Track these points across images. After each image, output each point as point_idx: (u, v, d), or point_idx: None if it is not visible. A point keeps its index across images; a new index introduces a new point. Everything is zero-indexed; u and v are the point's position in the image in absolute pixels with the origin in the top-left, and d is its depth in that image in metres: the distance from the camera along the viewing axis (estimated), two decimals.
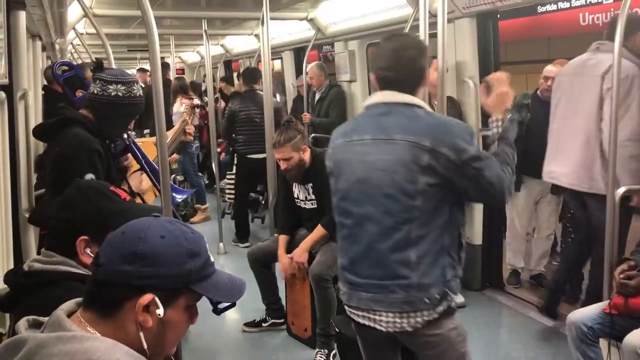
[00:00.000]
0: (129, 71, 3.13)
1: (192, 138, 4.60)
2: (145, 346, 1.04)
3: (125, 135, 2.60)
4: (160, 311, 1.03)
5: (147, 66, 9.46)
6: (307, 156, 3.47)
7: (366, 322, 1.98)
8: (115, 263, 1.02)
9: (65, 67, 3.21)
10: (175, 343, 1.12)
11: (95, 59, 2.67)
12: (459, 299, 3.93)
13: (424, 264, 1.89)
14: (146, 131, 6.88)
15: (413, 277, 1.88)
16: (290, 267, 3.49)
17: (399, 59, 1.95)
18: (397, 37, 2.05)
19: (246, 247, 5.42)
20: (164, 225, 1.08)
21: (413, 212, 1.87)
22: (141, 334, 1.03)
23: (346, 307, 2.07)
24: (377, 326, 1.95)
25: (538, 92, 4.06)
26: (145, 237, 1.04)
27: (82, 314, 1.05)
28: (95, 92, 2.34)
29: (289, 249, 3.60)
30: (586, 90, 3.21)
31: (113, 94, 2.31)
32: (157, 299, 1.03)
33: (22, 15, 2.71)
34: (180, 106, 6.66)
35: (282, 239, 3.65)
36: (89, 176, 2.14)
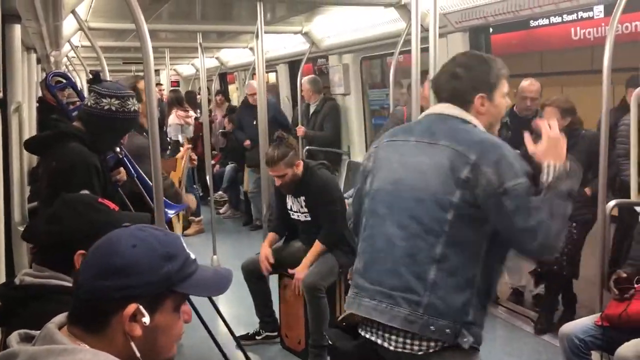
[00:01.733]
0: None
1: (195, 163, 4.72)
2: (138, 355, 1.04)
3: (117, 149, 2.58)
4: (146, 319, 1.03)
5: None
6: (300, 170, 3.48)
7: (372, 338, 1.80)
8: (92, 280, 1.02)
9: (60, 79, 3.21)
10: (173, 345, 1.11)
11: (91, 71, 2.67)
12: None
13: (442, 288, 1.70)
14: None
15: (424, 296, 1.70)
16: (268, 265, 3.55)
17: (455, 75, 1.89)
18: (462, 54, 2.02)
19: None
20: (134, 233, 1.07)
21: (442, 225, 1.72)
22: (132, 343, 1.03)
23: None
24: (385, 344, 1.77)
25: (515, 109, 3.96)
26: (118, 250, 1.03)
27: (70, 330, 1.05)
28: (89, 104, 2.33)
29: (281, 260, 3.60)
30: None
31: (106, 107, 2.29)
32: (141, 307, 1.03)
33: (17, 29, 2.72)
34: (175, 118, 6.68)
35: (271, 235, 3.71)
36: (85, 192, 2.13)
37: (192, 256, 1.12)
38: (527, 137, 1.85)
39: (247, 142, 6.47)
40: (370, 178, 1.93)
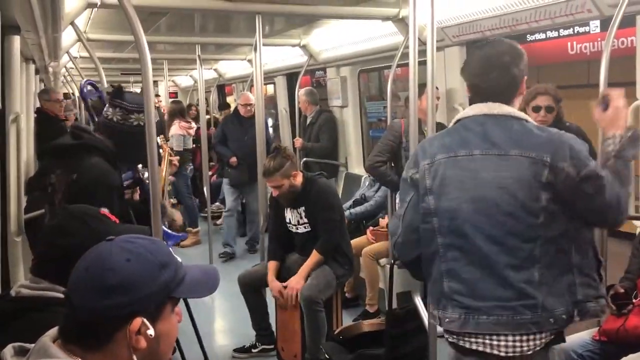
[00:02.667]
0: None
1: (177, 165, 4.62)
2: None
3: (140, 166, 2.53)
4: (151, 331, 1.02)
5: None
6: (298, 181, 3.48)
7: (480, 348, 1.83)
8: (91, 302, 1.00)
9: (91, 88, 3.17)
10: (171, 349, 1.12)
11: (112, 85, 2.61)
12: None
13: (547, 283, 1.79)
14: None
15: (539, 297, 1.78)
16: (284, 293, 3.45)
17: (491, 66, 1.86)
18: (490, 44, 1.95)
19: None
20: (123, 247, 1.06)
21: (537, 231, 1.78)
22: (134, 356, 1.03)
23: (449, 335, 1.91)
24: (495, 351, 1.81)
25: None
26: (112, 267, 1.01)
27: (65, 347, 1.03)
28: (115, 119, 2.27)
29: (280, 274, 3.59)
30: None
31: (135, 123, 2.25)
32: (145, 321, 1.02)
33: (17, 40, 2.73)
34: (178, 129, 6.68)
35: (272, 265, 3.63)
36: (104, 211, 2.09)
37: (179, 259, 1.13)
38: (595, 105, 1.94)
39: (234, 160, 5.87)
40: (433, 197, 1.90)
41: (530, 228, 1.78)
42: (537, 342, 1.79)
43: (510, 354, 1.79)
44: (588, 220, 1.84)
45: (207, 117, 7.93)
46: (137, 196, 2.63)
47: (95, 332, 1.01)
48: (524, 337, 1.79)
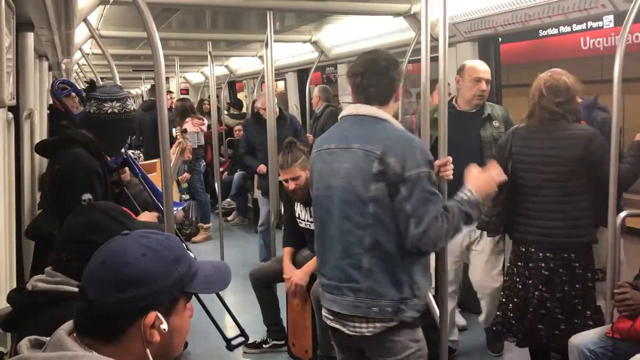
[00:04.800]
0: (133, 91, 3.21)
1: (190, 156, 4.64)
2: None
3: (122, 150, 2.65)
4: (164, 326, 1.04)
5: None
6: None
7: (334, 325, 2.11)
8: (107, 295, 1.01)
9: (65, 85, 3.28)
10: (182, 343, 1.13)
11: (86, 81, 2.76)
12: (461, 321, 3.92)
13: (376, 273, 1.96)
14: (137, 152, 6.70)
15: (362, 283, 1.98)
16: (287, 287, 3.47)
17: (371, 67, 2.07)
18: (372, 51, 2.20)
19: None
20: (138, 242, 1.07)
21: (366, 219, 1.96)
22: (147, 350, 1.04)
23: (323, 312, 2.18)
24: (346, 330, 2.06)
25: (455, 102, 3.42)
26: (128, 261, 1.02)
27: (80, 339, 1.04)
28: (92, 111, 2.40)
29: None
30: None
31: (109, 111, 2.38)
32: (159, 314, 1.04)
33: (30, 37, 2.76)
34: (192, 126, 6.69)
35: (287, 250, 3.63)
36: (86, 196, 2.19)
37: (192, 254, 1.14)
38: (472, 167, 2.19)
39: (262, 168, 5.03)
40: (311, 188, 2.21)
41: (361, 216, 1.97)
42: (371, 327, 1.99)
43: (351, 333, 2.04)
44: (400, 227, 1.94)
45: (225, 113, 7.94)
46: (127, 176, 2.70)
47: (110, 325, 1.02)
48: (360, 319, 2.01)
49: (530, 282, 2.86)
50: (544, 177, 2.84)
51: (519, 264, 2.91)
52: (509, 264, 3.02)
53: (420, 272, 2.04)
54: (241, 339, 1.95)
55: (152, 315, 1.03)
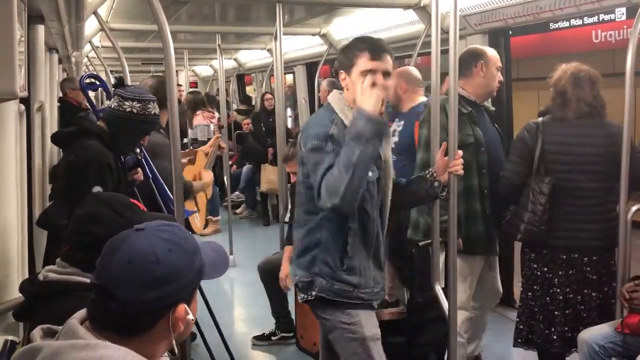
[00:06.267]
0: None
1: (225, 151, 4.75)
2: (176, 349, 1.09)
3: (137, 150, 2.63)
4: (190, 316, 1.07)
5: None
6: None
7: None
8: (139, 294, 1.01)
9: (92, 80, 3.28)
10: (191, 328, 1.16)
11: (115, 76, 2.74)
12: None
13: (300, 247, 2.16)
14: None
15: (294, 256, 2.21)
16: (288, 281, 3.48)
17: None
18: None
19: None
20: (161, 237, 1.07)
21: (300, 197, 2.15)
22: (173, 341, 1.08)
23: None
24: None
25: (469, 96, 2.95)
26: (158, 259, 1.03)
27: (93, 329, 1.04)
28: (112, 106, 2.41)
29: None
30: None
31: (128, 110, 2.37)
32: (186, 307, 1.07)
33: (41, 30, 2.77)
34: (203, 119, 6.71)
35: (288, 249, 3.66)
36: (97, 189, 2.18)
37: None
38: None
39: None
40: None
41: (299, 194, 2.17)
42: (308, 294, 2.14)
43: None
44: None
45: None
46: (140, 176, 2.70)
47: (140, 323, 1.04)
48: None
49: (568, 289, 2.68)
50: (587, 177, 2.63)
51: (560, 272, 2.68)
52: (538, 273, 2.75)
53: (341, 248, 2.11)
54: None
55: (181, 308, 1.05)
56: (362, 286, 2.14)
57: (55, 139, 2.60)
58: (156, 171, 2.76)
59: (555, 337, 2.71)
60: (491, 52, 3.02)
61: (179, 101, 6.98)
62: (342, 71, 2.11)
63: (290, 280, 3.43)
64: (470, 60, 2.92)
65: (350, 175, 1.87)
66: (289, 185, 4.05)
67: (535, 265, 2.77)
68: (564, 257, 2.69)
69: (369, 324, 2.16)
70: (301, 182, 2.13)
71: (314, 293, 2.13)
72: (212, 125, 6.80)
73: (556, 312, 2.71)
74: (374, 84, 1.98)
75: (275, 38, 4.05)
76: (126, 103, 2.37)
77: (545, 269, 2.74)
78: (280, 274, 3.54)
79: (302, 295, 2.19)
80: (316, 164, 1.97)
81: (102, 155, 2.30)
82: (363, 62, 2.05)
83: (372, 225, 2.13)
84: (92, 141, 2.33)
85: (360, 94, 1.98)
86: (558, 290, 2.70)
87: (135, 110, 2.37)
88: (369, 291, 2.16)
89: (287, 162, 3.59)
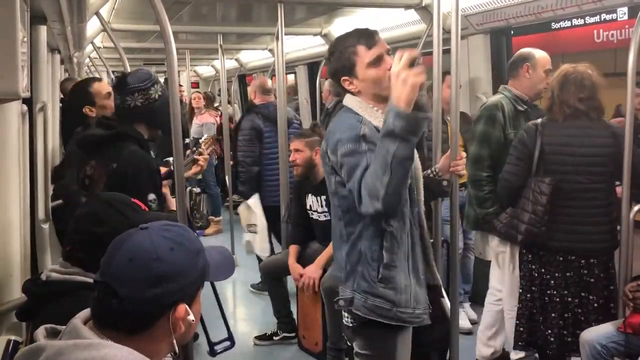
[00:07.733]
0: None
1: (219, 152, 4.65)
2: (177, 350, 1.09)
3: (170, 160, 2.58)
4: (191, 317, 1.07)
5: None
6: (318, 160, 3.48)
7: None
8: (140, 292, 1.02)
9: None
10: (194, 330, 1.16)
11: (113, 77, 2.67)
12: (471, 314, 3.92)
13: (349, 263, 1.94)
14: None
15: (342, 274, 1.97)
16: (302, 283, 3.47)
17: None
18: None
19: None
20: (164, 235, 1.08)
21: (337, 211, 1.97)
22: (174, 341, 1.08)
23: None
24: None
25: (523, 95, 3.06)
26: (159, 257, 1.04)
27: (96, 329, 1.05)
28: (140, 104, 2.27)
29: (300, 261, 3.60)
30: None
31: (155, 96, 2.28)
32: (187, 307, 1.07)
33: (44, 30, 2.77)
34: (209, 117, 6.80)
35: (293, 248, 3.66)
36: (152, 196, 2.12)
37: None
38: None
39: None
40: None
41: (335, 208, 1.99)
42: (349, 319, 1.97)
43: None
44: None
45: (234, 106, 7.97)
46: (166, 188, 2.62)
47: (140, 320, 1.05)
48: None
49: (566, 292, 2.69)
50: (587, 178, 2.63)
51: (557, 274, 2.69)
52: (535, 275, 2.76)
53: (378, 261, 1.91)
54: (227, 343, 1.84)
55: (181, 308, 1.06)
56: (402, 304, 1.90)
57: (82, 144, 2.37)
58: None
59: (552, 339, 2.71)
60: (539, 55, 3.10)
61: (181, 102, 7.01)
62: (344, 78, 1.93)
63: (307, 278, 3.41)
64: (517, 62, 3.10)
65: (388, 176, 1.68)
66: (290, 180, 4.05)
67: (533, 267, 2.77)
68: (561, 259, 2.69)
69: (402, 352, 1.97)
70: (334, 194, 1.94)
71: (350, 317, 1.95)
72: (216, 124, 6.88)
73: (553, 314, 2.72)
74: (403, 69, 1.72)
75: (277, 38, 4.04)
76: (151, 91, 2.28)
77: (543, 270, 2.74)
78: (293, 275, 3.53)
79: (346, 319, 1.99)
80: (353, 167, 1.78)
81: (149, 161, 2.20)
82: (363, 54, 1.91)
83: (409, 233, 1.93)
84: (133, 146, 2.21)
85: (394, 85, 1.73)
86: (555, 292, 2.71)
87: (160, 93, 2.29)
88: (410, 312, 1.92)
89: (294, 140, 3.60)
